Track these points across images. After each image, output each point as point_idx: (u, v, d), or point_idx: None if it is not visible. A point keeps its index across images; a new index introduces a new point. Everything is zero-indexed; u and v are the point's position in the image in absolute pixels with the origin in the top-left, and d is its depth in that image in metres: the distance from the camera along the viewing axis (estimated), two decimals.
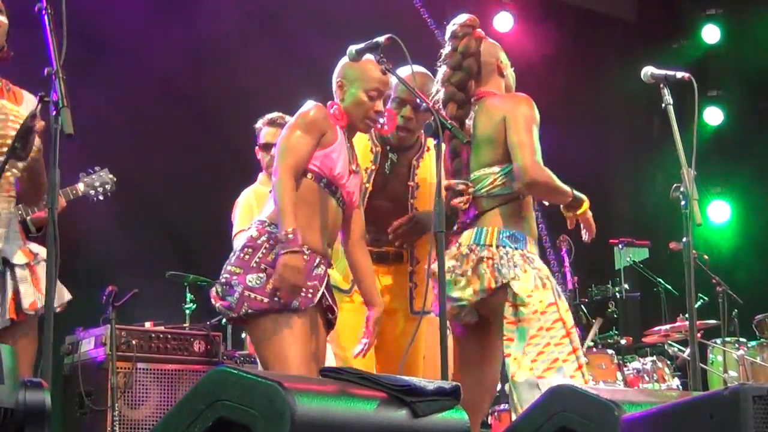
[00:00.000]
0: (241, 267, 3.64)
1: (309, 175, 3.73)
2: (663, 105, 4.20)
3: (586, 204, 4.02)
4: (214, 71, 7.95)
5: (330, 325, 3.84)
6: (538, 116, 3.94)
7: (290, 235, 3.55)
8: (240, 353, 6.39)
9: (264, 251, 3.63)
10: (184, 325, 6.24)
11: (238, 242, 5.21)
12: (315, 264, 3.68)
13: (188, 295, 6.37)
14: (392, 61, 3.80)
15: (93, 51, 6.96)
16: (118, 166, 4.70)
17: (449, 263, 3.86)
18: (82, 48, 5.43)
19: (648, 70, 4.27)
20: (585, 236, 4.15)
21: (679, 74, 4.23)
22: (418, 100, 3.72)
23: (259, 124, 5.46)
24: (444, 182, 3.82)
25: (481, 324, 4.00)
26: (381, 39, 3.75)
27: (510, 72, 4.19)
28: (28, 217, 4.07)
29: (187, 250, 7.71)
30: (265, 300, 3.57)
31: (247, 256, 3.64)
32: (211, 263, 6.61)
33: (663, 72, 4.24)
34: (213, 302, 3.73)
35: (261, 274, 3.59)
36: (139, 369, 5.61)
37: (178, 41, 7.45)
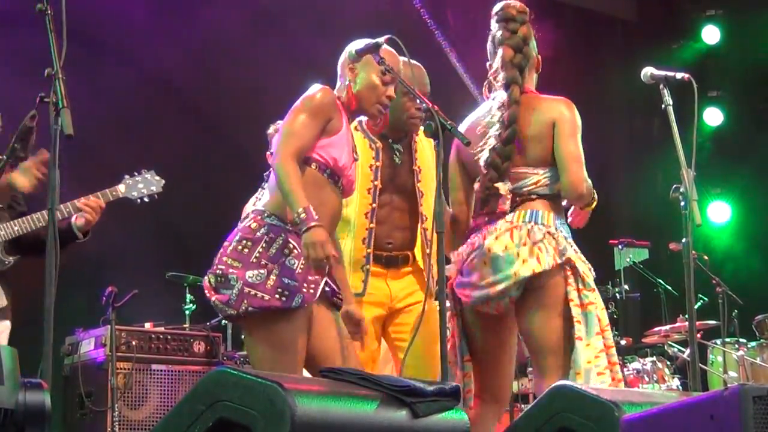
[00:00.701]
0: (239, 261, 3.52)
1: (313, 165, 3.63)
2: (663, 106, 4.20)
3: (595, 203, 4.04)
4: (216, 71, 7.94)
5: (337, 307, 3.73)
6: (581, 123, 3.93)
7: (303, 215, 3.45)
8: (240, 354, 6.39)
9: (264, 245, 3.53)
10: (184, 325, 6.24)
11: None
12: None
13: (188, 295, 6.38)
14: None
15: (94, 51, 6.96)
16: (118, 166, 4.70)
17: (503, 239, 3.79)
18: (83, 48, 5.43)
19: (648, 71, 4.26)
20: (573, 223, 4.10)
21: (679, 75, 4.23)
22: (417, 101, 3.70)
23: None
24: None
25: (501, 317, 3.93)
26: (381, 39, 3.75)
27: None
28: (73, 219, 4.08)
29: (187, 251, 7.70)
30: (267, 297, 3.45)
31: (246, 250, 3.53)
32: (211, 264, 6.62)
33: (663, 73, 4.24)
34: (206, 294, 3.62)
35: (261, 270, 3.48)
36: (139, 370, 5.61)
37: (180, 41, 7.45)
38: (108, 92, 7.19)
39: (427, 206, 4.19)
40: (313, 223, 3.44)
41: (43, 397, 2.47)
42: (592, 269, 3.88)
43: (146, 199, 4.55)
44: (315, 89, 3.68)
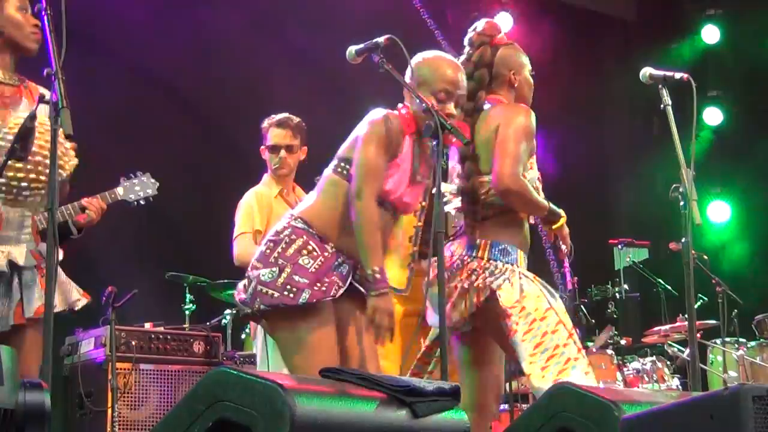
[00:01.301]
0: (261, 261, 3.58)
1: None
2: (662, 105, 4.20)
3: (563, 219, 4.02)
4: (216, 72, 7.95)
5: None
6: (532, 127, 3.94)
7: (377, 275, 3.49)
8: (240, 354, 6.39)
9: (284, 246, 3.56)
10: (184, 325, 6.24)
11: (238, 244, 5.23)
12: (336, 262, 3.58)
13: (188, 295, 6.37)
14: (393, 61, 3.80)
15: (94, 51, 6.96)
16: (117, 166, 4.69)
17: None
18: (84, 48, 5.43)
19: (647, 71, 4.27)
20: (564, 249, 4.14)
21: (678, 75, 4.23)
22: (417, 101, 3.71)
23: (265, 124, 5.42)
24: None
25: (476, 329, 4.02)
26: (380, 39, 3.75)
27: (526, 77, 4.16)
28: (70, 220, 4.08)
29: (187, 251, 7.71)
30: (276, 294, 3.49)
31: (268, 251, 3.59)
32: (211, 264, 6.63)
33: (662, 73, 4.24)
34: (235, 296, 3.70)
35: (274, 269, 3.52)
36: (139, 370, 5.60)
37: (180, 41, 7.45)
38: (107, 92, 7.19)
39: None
40: (384, 289, 3.49)
41: (43, 397, 2.47)
42: (541, 284, 3.92)
43: (142, 202, 4.57)
44: (379, 116, 3.62)
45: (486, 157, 3.96)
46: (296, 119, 5.43)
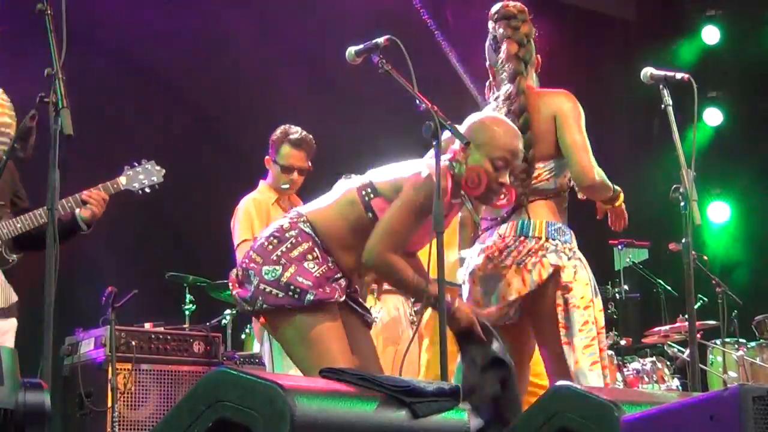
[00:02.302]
0: (261, 256, 3.55)
1: (370, 215, 3.60)
2: (662, 106, 4.20)
3: (622, 196, 4.05)
4: (218, 71, 7.94)
5: (366, 324, 3.78)
6: (583, 113, 3.94)
7: (432, 300, 3.50)
8: (240, 354, 6.39)
9: (289, 246, 3.54)
10: (184, 326, 6.24)
11: (241, 252, 5.22)
12: (336, 275, 3.59)
13: (188, 296, 6.37)
14: (393, 62, 3.80)
15: (93, 51, 6.96)
16: (117, 166, 4.69)
17: (491, 259, 3.85)
18: (84, 48, 5.43)
19: (647, 71, 4.27)
20: (615, 227, 4.15)
21: (679, 75, 4.24)
22: (417, 101, 3.70)
23: (277, 135, 5.32)
24: None
25: (517, 324, 3.96)
26: (380, 40, 3.75)
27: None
28: (77, 211, 4.07)
29: (187, 251, 7.71)
30: (281, 295, 3.48)
31: (270, 246, 3.55)
32: (211, 264, 6.63)
33: (662, 73, 4.24)
34: (230, 287, 3.65)
35: (277, 267, 3.50)
36: (139, 370, 5.60)
37: (181, 42, 7.45)
38: (108, 91, 7.19)
39: None
40: (453, 307, 3.51)
41: (43, 397, 2.47)
42: (590, 274, 3.89)
43: (147, 190, 4.51)
44: (426, 179, 3.52)
45: (544, 146, 3.91)
46: (311, 139, 5.36)
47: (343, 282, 3.62)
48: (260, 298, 3.51)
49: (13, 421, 2.41)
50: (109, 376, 5.41)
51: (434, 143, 3.57)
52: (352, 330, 3.68)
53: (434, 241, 3.49)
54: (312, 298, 3.48)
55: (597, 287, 3.95)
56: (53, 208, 3.08)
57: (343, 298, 3.59)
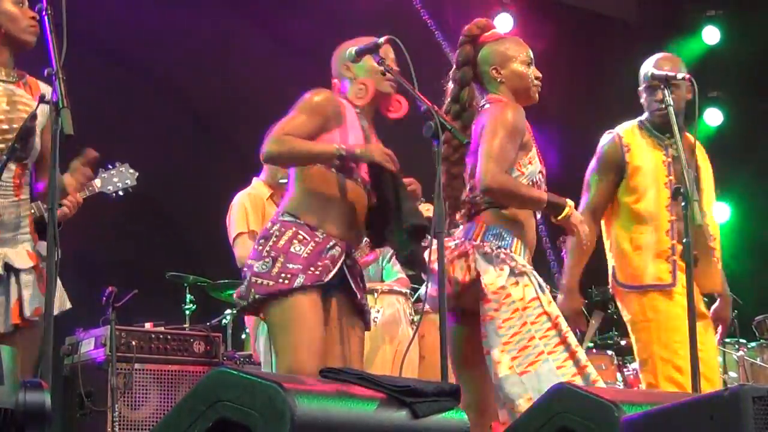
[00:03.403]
0: (255, 259, 3.65)
1: (319, 165, 3.71)
2: (663, 106, 4.21)
3: (567, 209, 3.91)
4: (215, 70, 7.95)
5: (363, 313, 3.82)
6: (512, 120, 3.89)
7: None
8: (240, 354, 6.40)
9: (274, 239, 3.63)
10: (184, 325, 6.24)
11: (238, 245, 5.23)
12: (329, 245, 3.64)
13: (188, 295, 6.38)
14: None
15: (93, 51, 6.96)
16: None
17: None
18: (83, 48, 5.43)
19: (648, 71, 4.28)
20: (566, 243, 4.15)
21: (680, 75, 4.25)
22: (417, 102, 3.70)
23: None
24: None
25: (472, 319, 3.96)
26: (380, 40, 3.75)
27: (514, 69, 4.07)
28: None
29: (187, 251, 7.71)
30: (270, 283, 3.55)
31: (260, 247, 3.65)
32: (211, 264, 6.64)
33: (663, 73, 4.25)
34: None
35: (267, 260, 3.59)
36: (139, 370, 5.61)
37: (180, 41, 7.45)
38: (107, 91, 7.19)
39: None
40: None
41: (43, 397, 2.47)
42: (531, 273, 3.88)
43: (121, 193, 4.52)
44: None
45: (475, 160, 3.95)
46: None
47: (337, 250, 3.65)
48: (252, 290, 3.59)
49: (13, 421, 2.41)
50: (109, 375, 5.41)
51: (435, 143, 3.58)
52: (337, 319, 3.72)
53: (434, 241, 3.50)
54: (302, 281, 3.54)
55: (543, 283, 3.91)
56: (54, 208, 3.08)
57: (334, 272, 3.62)
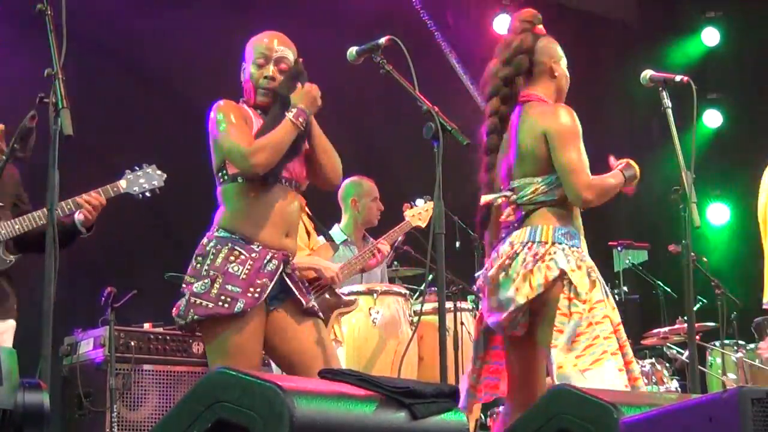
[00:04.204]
0: (194, 276, 3.63)
1: (239, 179, 3.74)
2: (662, 108, 4.21)
3: (637, 169, 4.17)
4: (217, 72, 7.94)
5: (312, 314, 3.76)
6: (578, 125, 3.92)
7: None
8: None
9: (212, 257, 3.62)
10: None
11: None
12: (266, 260, 3.62)
13: None
14: (393, 62, 3.80)
15: (92, 51, 6.96)
16: (117, 167, 4.70)
17: (504, 267, 3.86)
18: (82, 48, 5.44)
19: (647, 73, 4.28)
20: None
21: (678, 77, 4.24)
22: (418, 103, 3.70)
23: None
24: (483, 199, 3.91)
25: (525, 336, 3.94)
26: (381, 40, 3.75)
27: (564, 70, 4.12)
28: (76, 216, 4.06)
29: (186, 252, 7.67)
30: (210, 305, 3.53)
31: (198, 265, 3.64)
32: None
33: (662, 75, 4.25)
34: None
35: (206, 280, 3.57)
36: (138, 370, 5.61)
37: (182, 44, 7.45)
38: (106, 92, 7.19)
39: None
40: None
41: (42, 397, 2.47)
42: (599, 275, 3.89)
43: (148, 194, 4.53)
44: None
45: (532, 162, 3.92)
46: None
47: (274, 263, 3.63)
48: (191, 311, 3.56)
49: (11, 421, 2.40)
50: (108, 376, 5.41)
51: (435, 144, 3.58)
52: (287, 325, 3.69)
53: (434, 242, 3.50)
54: (242, 306, 3.53)
55: (607, 288, 3.93)
56: (53, 208, 3.08)
57: (269, 289, 3.59)
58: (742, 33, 9.84)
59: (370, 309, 5.75)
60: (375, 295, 5.79)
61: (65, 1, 3.19)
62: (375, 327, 5.74)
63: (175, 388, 5.69)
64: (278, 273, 3.64)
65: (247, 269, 3.58)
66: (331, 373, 2.81)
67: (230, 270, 3.57)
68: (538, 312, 3.86)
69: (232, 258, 3.60)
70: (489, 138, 3.97)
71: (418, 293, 6.47)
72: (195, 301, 3.56)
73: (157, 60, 7.64)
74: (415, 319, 5.80)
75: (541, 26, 4.15)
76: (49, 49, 3.17)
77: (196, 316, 3.55)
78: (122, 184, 4.42)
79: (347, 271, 5.50)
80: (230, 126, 3.76)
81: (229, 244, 3.63)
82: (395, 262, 6.55)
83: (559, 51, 4.14)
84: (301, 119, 3.65)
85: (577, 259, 3.84)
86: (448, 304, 5.79)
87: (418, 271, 6.61)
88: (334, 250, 5.35)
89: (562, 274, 3.79)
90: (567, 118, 3.91)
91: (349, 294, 5.59)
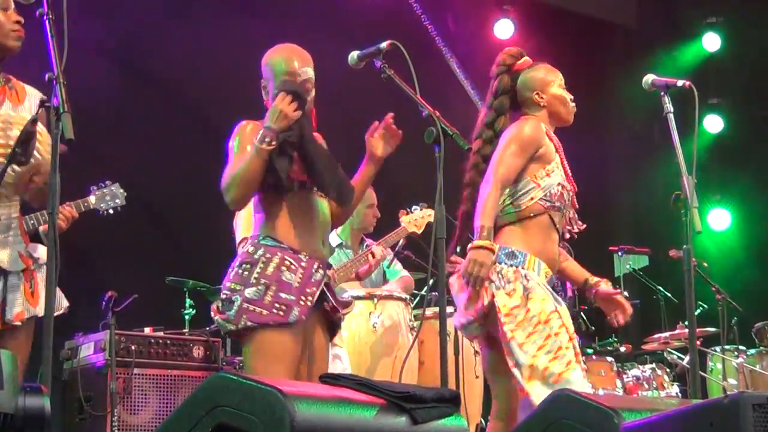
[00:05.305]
0: (240, 283, 3.60)
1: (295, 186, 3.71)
2: (663, 113, 4.21)
3: (475, 246, 3.85)
4: (218, 76, 7.95)
5: (335, 326, 3.81)
6: (525, 134, 4.00)
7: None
8: (239, 359, 6.38)
9: (262, 266, 3.60)
10: (184, 330, 6.23)
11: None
12: (314, 269, 3.65)
13: (188, 300, 6.37)
14: (395, 67, 3.80)
15: (92, 54, 6.96)
16: (117, 170, 4.71)
17: (456, 285, 3.98)
18: (82, 51, 5.43)
19: (649, 78, 4.29)
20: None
21: (680, 82, 4.24)
22: (419, 107, 3.70)
23: None
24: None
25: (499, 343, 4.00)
26: (383, 44, 3.75)
27: (554, 93, 4.19)
28: (40, 228, 4.06)
29: (186, 256, 7.70)
30: (265, 312, 3.53)
31: (245, 273, 3.61)
32: (211, 269, 6.61)
33: (664, 80, 4.26)
34: (213, 316, 3.72)
35: (259, 287, 3.56)
36: (138, 374, 5.60)
37: (182, 46, 7.45)
38: (106, 95, 7.19)
39: None
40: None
41: (43, 401, 2.46)
42: (546, 287, 3.93)
43: (110, 212, 4.60)
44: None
45: None
46: None
47: (320, 273, 3.67)
48: (244, 317, 3.55)
49: (12, 425, 2.40)
50: (109, 380, 5.41)
51: (436, 149, 3.58)
52: (315, 350, 3.71)
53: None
54: (297, 314, 3.54)
55: (559, 298, 3.98)
56: (54, 212, 3.08)
57: (316, 296, 3.62)
58: (743, 38, 9.85)
59: (370, 314, 5.76)
60: (375, 299, 5.80)
61: (66, 5, 3.20)
62: (375, 332, 5.74)
63: (176, 392, 5.69)
64: (323, 282, 3.67)
65: (299, 278, 3.60)
66: (331, 378, 2.81)
67: (284, 278, 3.57)
68: (492, 329, 3.95)
69: (284, 267, 3.59)
70: (468, 173, 4.11)
71: (418, 298, 6.47)
72: (248, 307, 3.54)
73: (159, 64, 7.64)
74: (416, 324, 5.80)
75: (523, 60, 4.22)
76: (49, 52, 3.16)
77: (249, 323, 3.53)
78: (91, 199, 4.50)
79: (342, 274, 5.51)
80: (236, 154, 3.71)
81: (279, 254, 3.62)
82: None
83: (543, 78, 4.21)
84: (267, 140, 3.57)
85: (511, 277, 3.89)
86: (449, 309, 5.78)
87: (419, 275, 6.61)
88: (331, 252, 5.34)
89: (493, 299, 3.87)
90: (516, 127, 4.05)
91: (349, 299, 5.59)
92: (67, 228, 4.04)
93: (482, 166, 4.05)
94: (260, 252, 3.63)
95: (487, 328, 3.97)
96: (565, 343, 3.82)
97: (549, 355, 3.78)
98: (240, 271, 3.63)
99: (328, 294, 3.73)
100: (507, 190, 4.00)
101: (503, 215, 4.01)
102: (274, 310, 3.53)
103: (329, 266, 3.81)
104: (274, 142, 3.57)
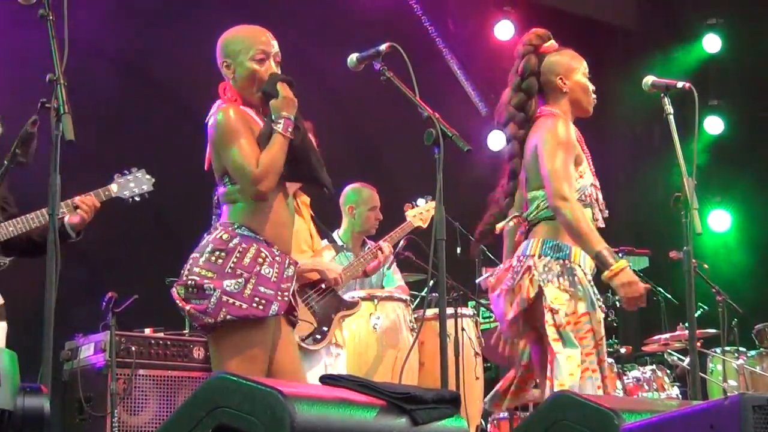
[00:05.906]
0: (212, 271, 3.51)
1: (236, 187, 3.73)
2: (664, 114, 4.22)
3: (608, 273, 3.83)
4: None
5: (292, 325, 3.77)
6: (563, 135, 3.96)
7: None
8: None
9: (238, 255, 3.53)
10: (184, 331, 6.23)
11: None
12: (286, 264, 3.61)
13: None
14: (394, 69, 3.80)
15: (93, 56, 6.97)
16: (117, 170, 4.70)
17: (499, 275, 4.00)
18: (82, 54, 5.43)
19: (649, 80, 4.29)
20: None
21: (680, 83, 4.25)
22: (419, 109, 3.70)
23: None
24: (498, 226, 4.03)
25: (531, 332, 4.03)
26: (382, 47, 3.75)
27: (578, 81, 4.18)
28: (66, 219, 4.06)
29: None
30: (244, 306, 3.46)
31: (219, 261, 3.53)
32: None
33: (664, 81, 4.26)
34: (178, 304, 3.61)
35: (239, 280, 3.48)
36: (139, 375, 5.60)
37: (182, 48, 7.45)
38: (106, 95, 7.19)
39: None
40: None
41: (43, 402, 2.47)
42: (587, 287, 3.92)
43: (137, 198, 4.55)
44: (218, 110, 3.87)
45: (534, 175, 4.01)
46: None
47: (291, 269, 3.64)
48: (224, 310, 3.46)
49: (11, 424, 2.40)
50: (109, 381, 5.41)
51: (436, 151, 3.58)
52: (283, 338, 3.68)
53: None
54: (276, 308, 3.50)
55: (595, 299, 3.94)
56: (54, 212, 3.08)
57: (291, 291, 3.60)
58: (743, 40, 9.84)
59: (370, 315, 5.76)
60: (375, 301, 5.80)
61: (66, 7, 3.20)
62: (376, 333, 5.74)
63: (176, 393, 5.68)
64: (294, 278, 3.64)
65: (276, 272, 3.55)
66: (331, 379, 2.81)
67: (262, 272, 3.52)
68: (532, 324, 3.94)
69: (260, 259, 3.54)
70: (511, 163, 4.08)
71: (418, 299, 6.47)
72: (228, 300, 3.46)
73: (156, 65, 7.64)
74: (416, 325, 5.80)
75: (550, 43, 4.19)
76: (50, 54, 3.17)
77: (229, 316, 3.45)
78: (113, 188, 4.44)
79: (349, 273, 5.50)
80: (239, 142, 3.70)
81: (255, 245, 3.56)
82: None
83: (569, 64, 4.20)
84: (290, 130, 3.61)
85: (557, 270, 3.87)
86: (449, 310, 5.79)
87: (419, 276, 6.61)
88: (336, 252, 5.34)
89: (541, 291, 3.85)
90: (551, 129, 3.98)
91: (356, 299, 5.59)
92: (91, 218, 4.04)
93: (521, 151, 4.03)
94: (236, 241, 3.56)
95: (531, 324, 3.95)
96: (588, 349, 3.82)
97: (578, 356, 3.78)
98: (212, 258, 3.55)
99: (295, 294, 3.71)
100: (543, 193, 3.96)
101: (540, 212, 3.99)
102: (254, 304, 3.47)
103: (296, 263, 3.75)
104: (290, 130, 3.59)
